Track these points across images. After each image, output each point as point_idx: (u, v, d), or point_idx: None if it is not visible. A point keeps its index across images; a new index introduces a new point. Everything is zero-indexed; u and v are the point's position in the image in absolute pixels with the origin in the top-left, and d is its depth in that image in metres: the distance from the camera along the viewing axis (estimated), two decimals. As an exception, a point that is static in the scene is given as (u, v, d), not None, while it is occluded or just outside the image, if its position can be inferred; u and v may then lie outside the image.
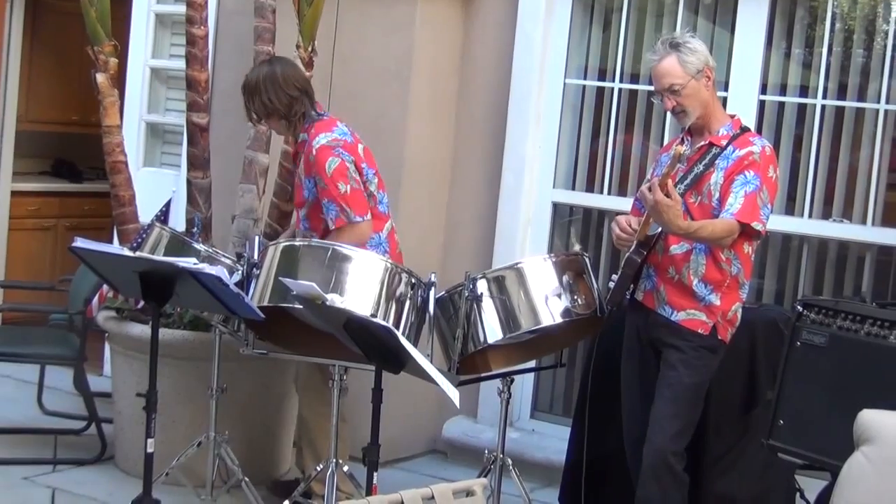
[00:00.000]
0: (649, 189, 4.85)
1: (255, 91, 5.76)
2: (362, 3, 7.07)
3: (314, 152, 5.67)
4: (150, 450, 5.01)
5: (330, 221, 5.63)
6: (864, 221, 6.37)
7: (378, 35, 7.05)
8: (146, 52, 8.36)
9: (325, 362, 5.59)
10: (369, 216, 5.67)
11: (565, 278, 5.33)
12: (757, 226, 5.00)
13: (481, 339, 5.30)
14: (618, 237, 5.25)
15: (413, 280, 5.32)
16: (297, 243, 5.48)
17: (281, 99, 5.73)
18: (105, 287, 6.63)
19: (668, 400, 5.14)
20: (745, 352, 5.70)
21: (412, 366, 4.31)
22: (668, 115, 6.62)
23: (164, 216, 6.72)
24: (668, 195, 4.80)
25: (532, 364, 6.15)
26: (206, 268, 4.86)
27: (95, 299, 6.91)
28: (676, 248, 5.15)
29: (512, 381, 5.66)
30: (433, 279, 5.33)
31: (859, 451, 4.28)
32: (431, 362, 4.51)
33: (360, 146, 5.80)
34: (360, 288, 5.23)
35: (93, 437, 6.78)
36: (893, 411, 4.35)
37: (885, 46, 6.34)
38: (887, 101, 6.30)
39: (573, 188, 7.19)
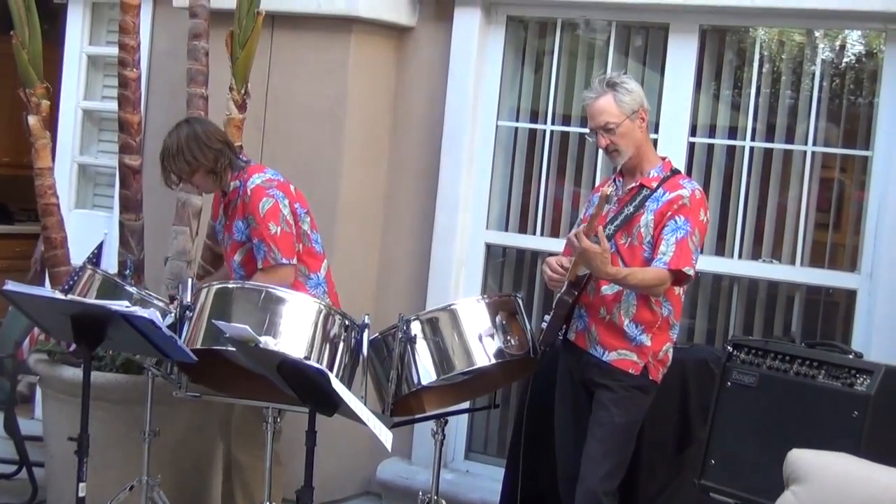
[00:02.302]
0: (577, 236, 4.91)
1: (178, 152, 5.67)
2: (295, 46, 7.08)
3: (249, 192, 5.66)
4: (81, 494, 4.97)
5: (259, 261, 5.63)
6: (793, 262, 6.44)
7: (311, 77, 7.07)
8: (78, 93, 8.33)
9: (259, 405, 5.57)
10: (295, 260, 5.66)
11: (498, 319, 5.33)
12: (689, 270, 5.05)
13: (415, 380, 5.29)
14: (549, 278, 5.29)
15: (347, 322, 5.32)
16: (230, 285, 5.46)
17: (206, 155, 5.67)
18: (36, 330, 6.58)
19: (600, 440, 5.16)
20: (676, 392, 5.76)
21: (345, 408, 4.31)
22: (600, 156, 6.71)
23: (96, 258, 6.68)
24: (597, 242, 4.86)
25: (466, 405, 6.15)
26: (139, 311, 4.83)
27: (26, 342, 6.85)
28: (608, 289, 5.19)
29: (446, 422, 5.66)
30: (367, 321, 5.33)
31: (789, 491, 4.34)
32: (365, 404, 4.52)
33: (292, 186, 5.81)
34: (294, 330, 5.21)
35: (24, 481, 6.72)
36: (822, 451, 4.41)
37: (813, 88, 6.42)
38: (814, 143, 6.38)
39: (506, 229, 7.22)
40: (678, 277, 5.07)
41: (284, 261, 5.60)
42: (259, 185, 5.68)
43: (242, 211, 5.70)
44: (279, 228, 5.61)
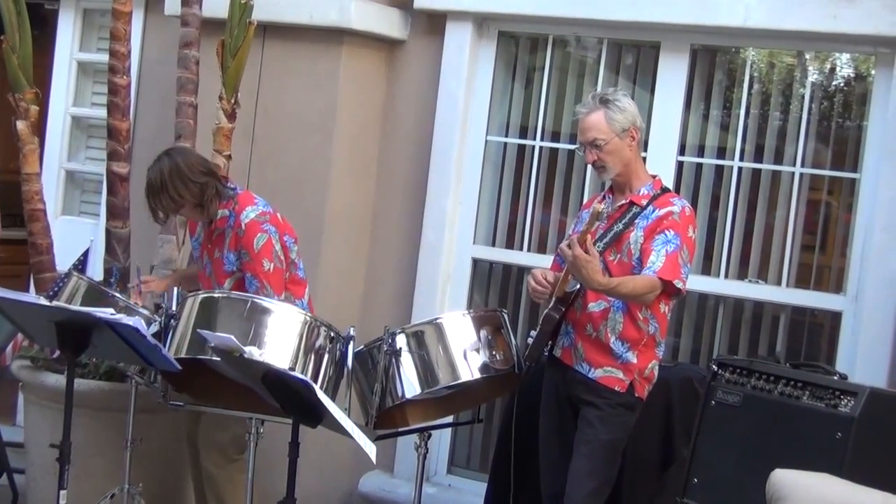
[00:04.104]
0: (569, 245, 4.89)
1: (163, 188, 5.62)
2: (286, 57, 7.08)
3: (243, 227, 5.63)
4: (62, 501, 4.94)
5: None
6: (779, 282, 6.44)
7: (301, 88, 7.06)
8: (67, 100, 8.33)
9: (243, 415, 5.56)
10: (284, 296, 5.67)
11: (484, 334, 5.34)
12: (678, 283, 5.06)
13: (399, 393, 5.29)
14: (533, 289, 5.29)
15: (332, 334, 5.31)
16: (216, 295, 5.45)
17: (191, 189, 5.63)
18: (20, 336, 6.56)
19: (586, 457, 5.16)
20: (660, 410, 5.75)
21: (330, 420, 4.31)
22: (589, 173, 6.71)
23: (81, 265, 6.66)
24: (586, 251, 4.84)
25: (449, 419, 6.15)
26: (124, 318, 4.81)
27: (10, 348, 6.83)
28: (594, 306, 5.19)
29: (429, 436, 5.65)
30: (352, 333, 5.33)
31: (771, 511, 4.33)
32: (349, 416, 4.51)
33: (279, 216, 5.80)
34: (279, 341, 5.20)
35: (4, 487, 6.69)
36: (805, 471, 4.41)
37: (802, 110, 6.43)
38: (803, 165, 6.39)
39: (493, 244, 7.22)
40: (667, 289, 5.07)
41: (275, 298, 5.58)
42: (254, 219, 5.66)
43: (235, 243, 5.68)
44: (272, 265, 5.61)
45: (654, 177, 5.35)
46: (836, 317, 6.30)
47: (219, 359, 4.81)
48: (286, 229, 5.78)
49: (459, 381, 5.34)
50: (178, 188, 5.62)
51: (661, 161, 6.48)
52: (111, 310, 5.01)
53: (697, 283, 6.44)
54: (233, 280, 5.74)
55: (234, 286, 5.73)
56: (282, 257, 5.67)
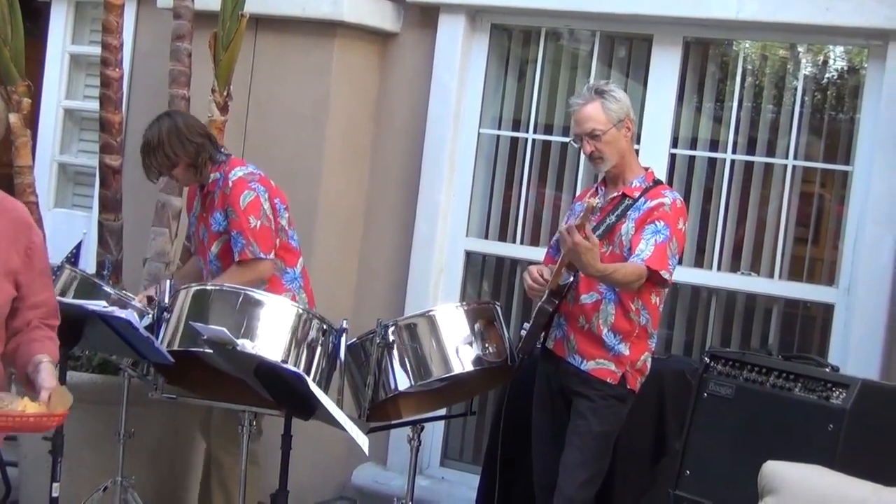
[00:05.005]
0: (568, 231, 4.85)
1: (159, 146, 5.68)
2: (279, 49, 7.08)
3: (230, 184, 5.66)
4: (55, 494, 4.95)
5: (235, 253, 5.62)
6: (771, 275, 6.45)
7: (294, 81, 7.06)
8: (60, 92, 8.32)
9: (235, 408, 5.54)
10: (273, 255, 5.67)
11: (477, 327, 5.33)
12: (665, 274, 5.05)
13: (392, 386, 5.28)
14: (530, 287, 5.29)
15: (325, 326, 5.30)
16: (208, 287, 5.43)
17: (187, 148, 5.69)
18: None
19: (578, 448, 5.17)
20: (653, 402, 5.76)
21: (322, 412, 4.31)
22: (581, 165, 6.71)
23: (74, 258, 6.65)
24: (586, 238, 4.83)
25: (442, 412, 6.15)
26: (116, 311, 4.81)
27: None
28: (587, 298, 5.19)
29: (422, 428, 5.64)
30: (345, 326, 5.31)
31: (763, 502, 4.33)
32: (341, 409, 4.51)
33: (272, 183, 5.81)
34: (272, 333, 5.19)
35: (-3, 480, 6.68)
36: (797, 463, 4.42)
37: (794, 103, 6.43)
38: (795, 157, 6.40)
39: (486, 237, 7.22)
40: (654, 279, 5.07)
41: (262, 255, 5.61)
42: (241, 177, 5.70)
43: (222, 202, 5.69)
44: (259, 222, 5.62)
45: (646, 169, 5.35)
46: (828, 309, 6.31)
47: (211, 351, 4.81)
48: (277, 193, 5.80)
49: (452, 374, 5.34)
50: (174, 146, 5.68)
51: (654, 154, 6.48)
52: (104, 302, 5.02)
53: (690, 275, 6.46)
54: (220, 243, 5.75)
55: (221, 249, 5.75)
56: (270, 216, 5.68)
